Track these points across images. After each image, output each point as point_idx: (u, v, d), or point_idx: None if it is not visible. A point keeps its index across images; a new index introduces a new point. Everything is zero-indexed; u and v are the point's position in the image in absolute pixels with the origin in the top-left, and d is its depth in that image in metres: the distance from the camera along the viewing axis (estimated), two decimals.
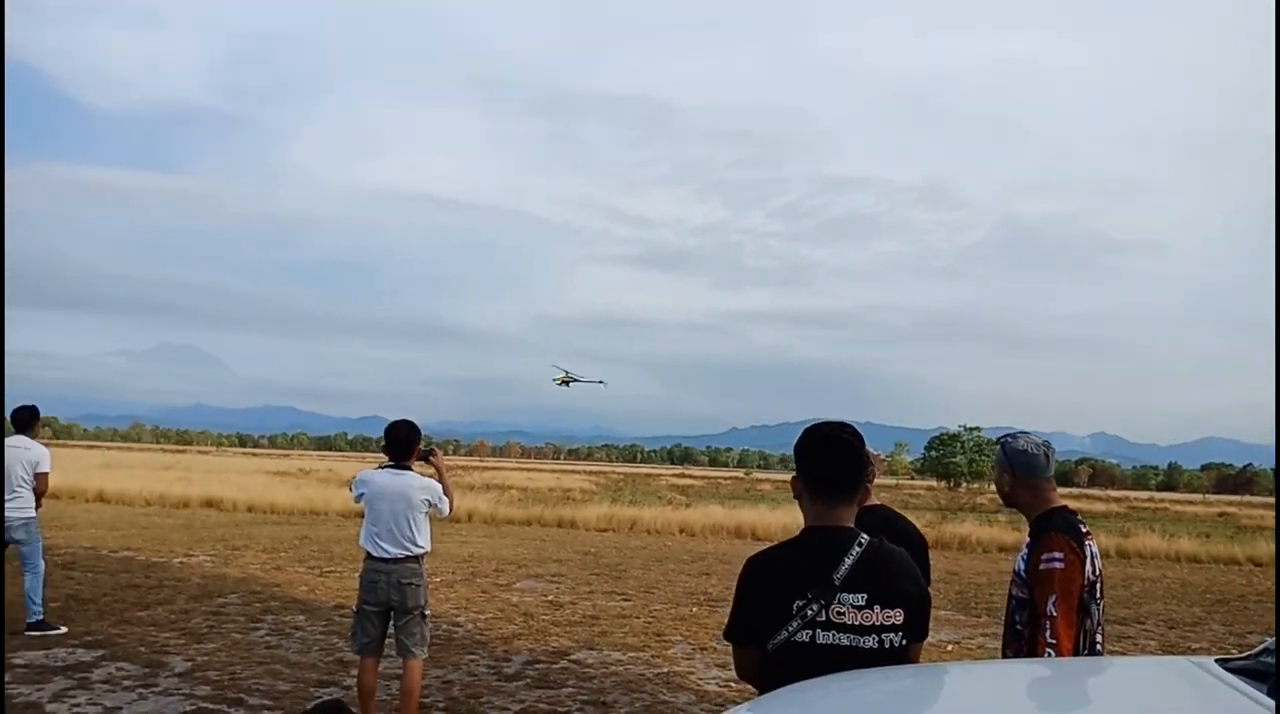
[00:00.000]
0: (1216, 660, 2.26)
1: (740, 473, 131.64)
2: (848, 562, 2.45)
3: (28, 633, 7.82)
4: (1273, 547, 22.03)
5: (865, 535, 2.52)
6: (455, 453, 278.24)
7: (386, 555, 5.56)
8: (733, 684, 7.36)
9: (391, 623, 5.69)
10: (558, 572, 13.64)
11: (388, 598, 5.58)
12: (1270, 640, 2.42)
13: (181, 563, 12.77)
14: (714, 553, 17.55)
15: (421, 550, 5.66)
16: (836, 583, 2.42)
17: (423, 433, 5.95)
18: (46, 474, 8.25)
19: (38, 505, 8.25)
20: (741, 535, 21.48)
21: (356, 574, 5.89)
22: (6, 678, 6.51)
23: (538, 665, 7.69)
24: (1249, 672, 2.11)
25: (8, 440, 8.24)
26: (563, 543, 18.26)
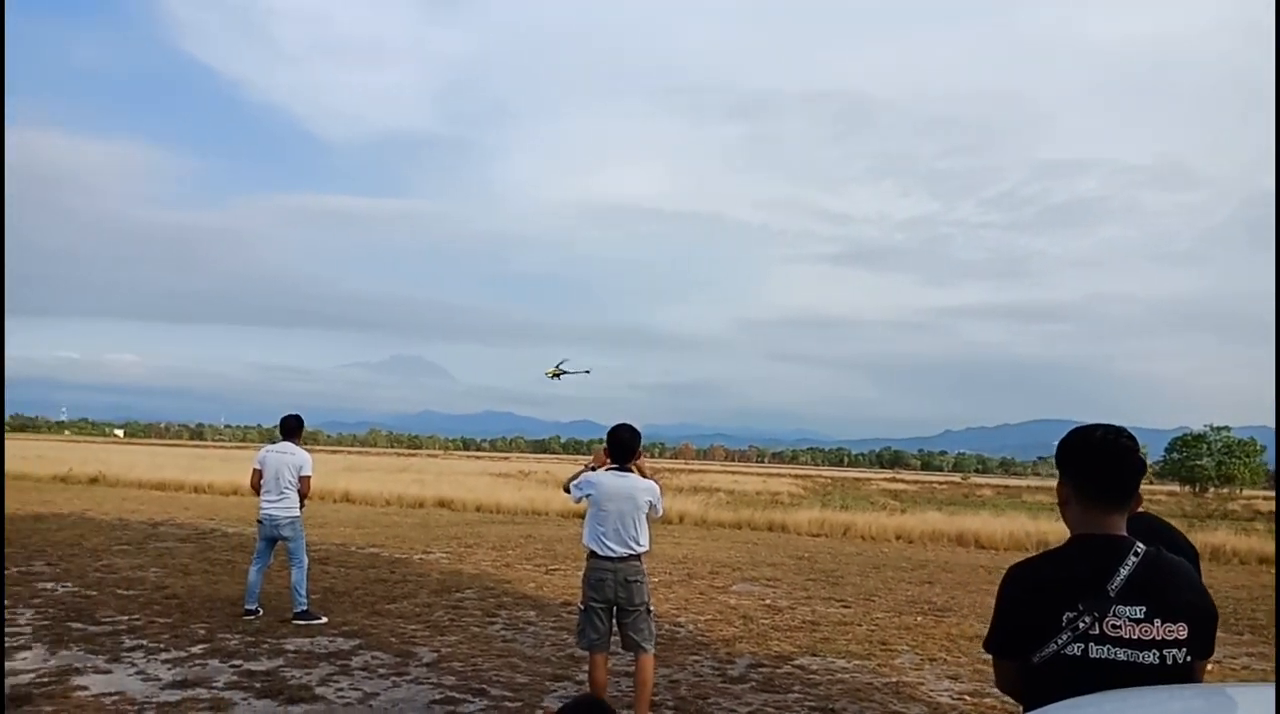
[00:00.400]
0: None
1: (957, 477, 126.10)
2: (1123, 572, 2.30)
3: (295, 622, 8.63)
4: None
5: (1141, 544, 2.36)
6: (660, 456, 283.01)
7: (613, 554, 5.77)
8: (967, 697, 7.07)
9: (615, 620, 5.88)
10: (772, 576, 13.57)
11: (614, 595, 5.78)
12: None
13: (421, 559, 13.69)
14: (935, 561, 16.89)
15: (644, 549, 5.88)
16: (1111, 594, 2.28)
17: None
18: (309, 477, 9.09)
19: (301, 505, 9.09)
20: (964, 543, 20.55)
21: (579, 573, 6.11)
22: (279, 662, 7.22)
23: (762, 669, 7.67)
24: None
25: (276, 446, 9.15)
26: (775, 547, 18.14)
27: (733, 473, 79.75)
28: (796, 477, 77.46)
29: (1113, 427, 2.50)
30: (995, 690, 7.10)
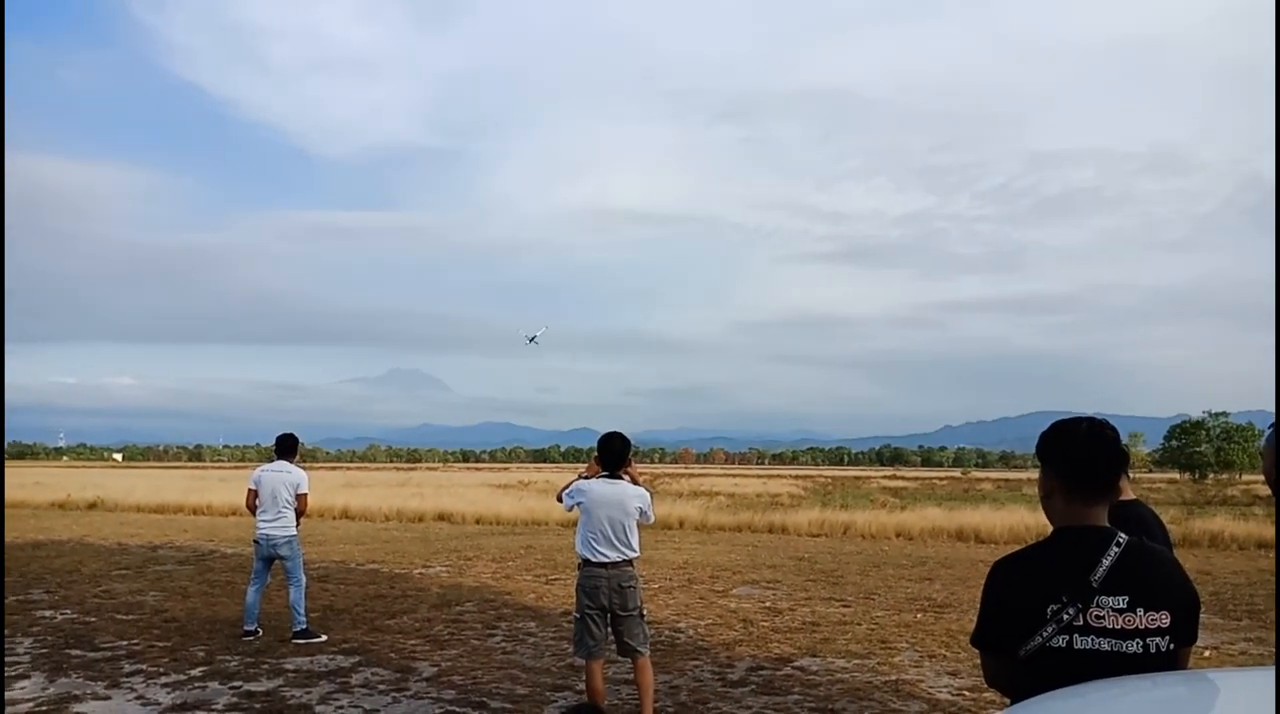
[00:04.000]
0: None
1: (957, 472, 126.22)
2: (1105, 563, 2.32)
3: (294, 641, 8.62)
4: None
5: (1123, 535, 2.39)
6: (660, 461, 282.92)
7: (605, 560, 5.82)
8: (966, 693, 7.08)
9: (610, 626, 5.91)
10: (773, 578, 13.58)
11: (609, 601, 5.82)
12: None
13: (421, 573, 13.69)
14: (935, 557, 16.91)
15: (636, 555, 5.95)
16: (1094, 585, 2.30)
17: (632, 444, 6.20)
18: (306, 495, 9.10)
19: (298, 524, 9.10)
20: (964, 538, 20.58)
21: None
22: (279, 682, 7.22)
23: (762, 672, 7.69)
24: None
25: (272, 466, 9.17)
26: (775, 549, 18.14)
27: (733, 476, 79.73)
28: (797, 477, 77.47)
29: (1094, 418, 2.53)
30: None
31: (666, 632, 9.27)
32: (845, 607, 11.07)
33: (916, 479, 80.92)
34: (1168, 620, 2.31)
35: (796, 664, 7.99)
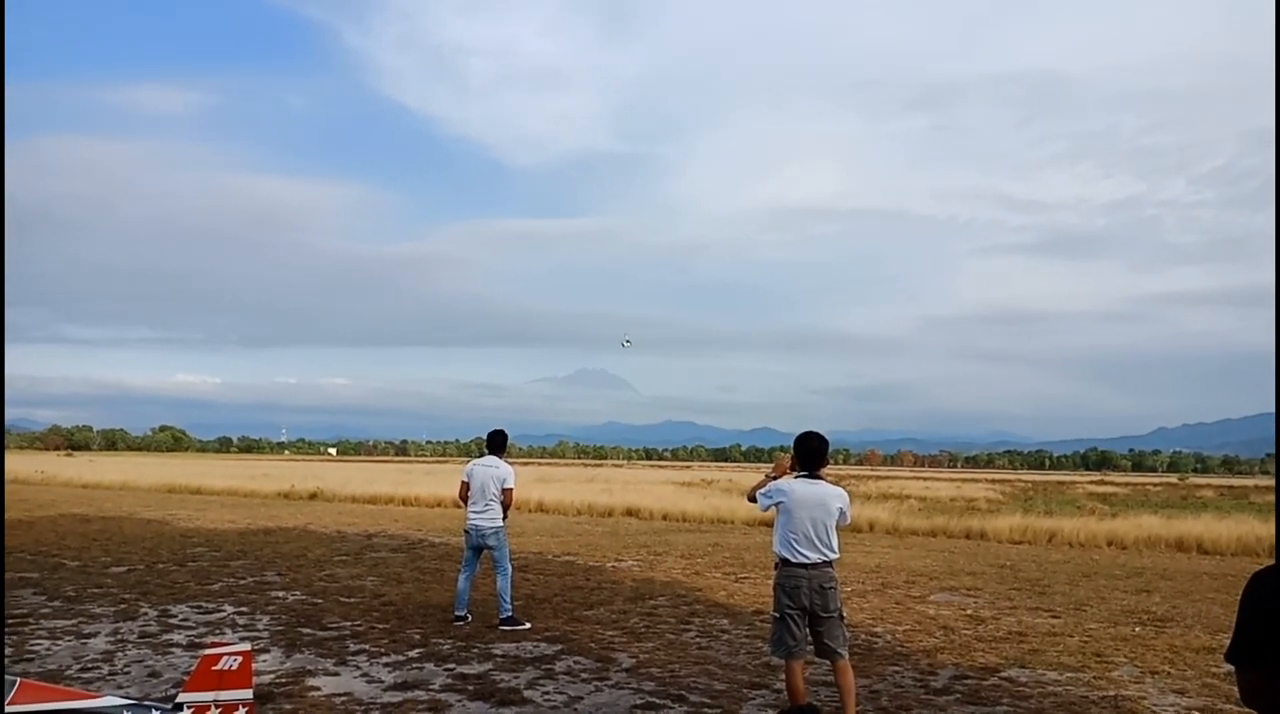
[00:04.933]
0: None
1: (1173, 478, 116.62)
2: None
3: (501, 627, 9.06)
4: None
5: None
6: (845, 462, 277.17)
7: (807, 561, 5.77)
8: (1196, 712, 6.57)
9: (810, 627, 5.86)
10: (973, 585, 13.05)
11: (810, 601, 5.77)
12: None
13: (613, 566, 14.05)
14: (1152, 568, 15.73)
15: (836, 556, 5.88)
16: None
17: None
18: (512, 490, 9.54)
19: (504, 516, 9.56)
20: (1184, 549, 19.04)
21: (769, 581, 6.12)
22: (489, 666, 7.61)
23: (966, 681, 7.42)
24: None
25: (482, 460, 9.68)
26: (973, 555, 17.41)
27: (923, 479, 76.99)
28: (993, 481, 73.88)
29: None
30: (1229, 707, 6.58)
31: (863, 636, 9.10)
32: (1054, 617, 10.49)
33: (1127, 485, 75.45)
34: None
35: (1004, 674, 7.66)
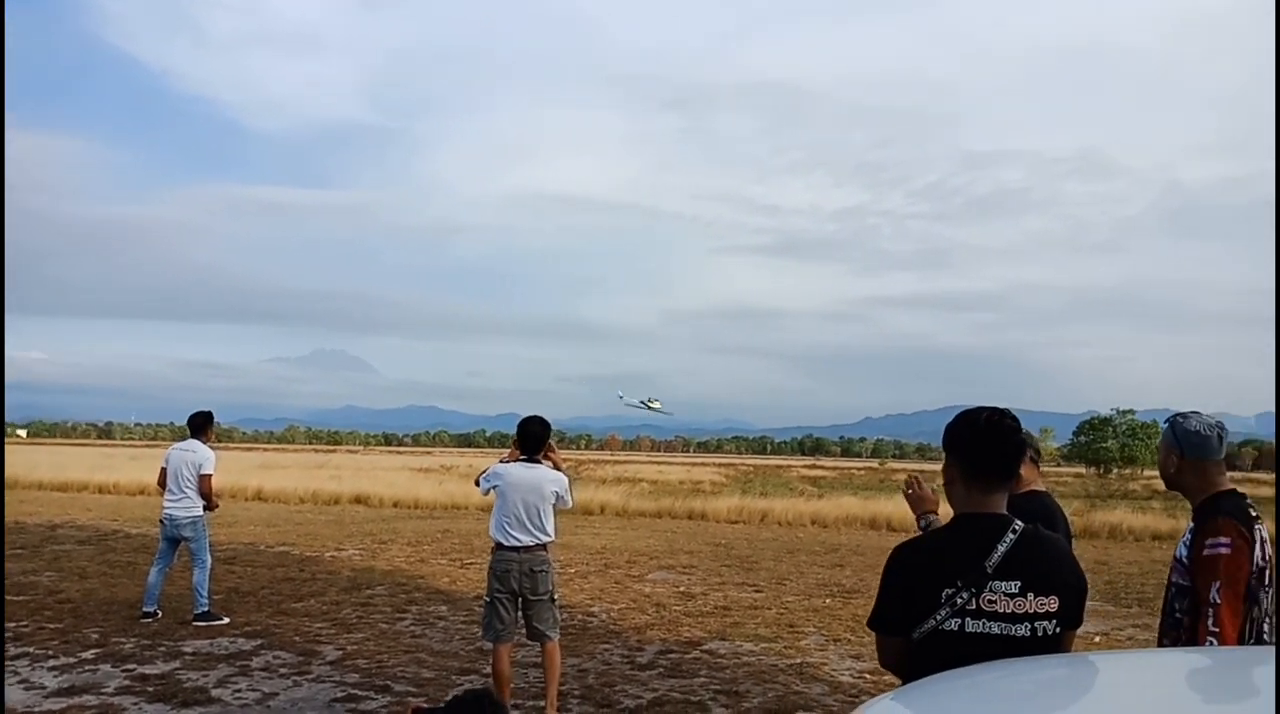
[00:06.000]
0: None
1: (874, 463, 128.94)
2: (1000, 549, 2.38)
3: (195, 623, 8.40)
4: None
5: (1020, 522, 2.46)
6: (587, 447, 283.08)
7: (518, 544, 5.79)
8: (867, 675, 7.24)
9: (520, 610, 5.89)
10: (689, 563, 13.70)
11: (519, 585, 5.79)
12: None
13: (332, 557, 13.45)
14: (847, 544, 17.26)
15: (549, 539, 5.92)
16: (989, 570, 2.36)
17: (553, 429, 6.17)
18: (209, 476, 8.82)
19: (210, 506, 8.84)
20: (876, 527, 21.05)
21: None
22: (175, 665, 7.03)
23: (670, 655, 7.75)
24: None
25: (182, 444, 8.92)
26: (694, 535, 18.31)
27: (658, 463, 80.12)
28: (720, 466, 78.24)
29: (997, 409, 2.60)
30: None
31: (580, 616, 9.28)
32: (757, 592, 11.23)
33: (835, 469, 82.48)
34: (1056, 605, 2.39)
35: (705, 648, 8.08)
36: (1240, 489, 3.19)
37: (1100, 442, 79.07)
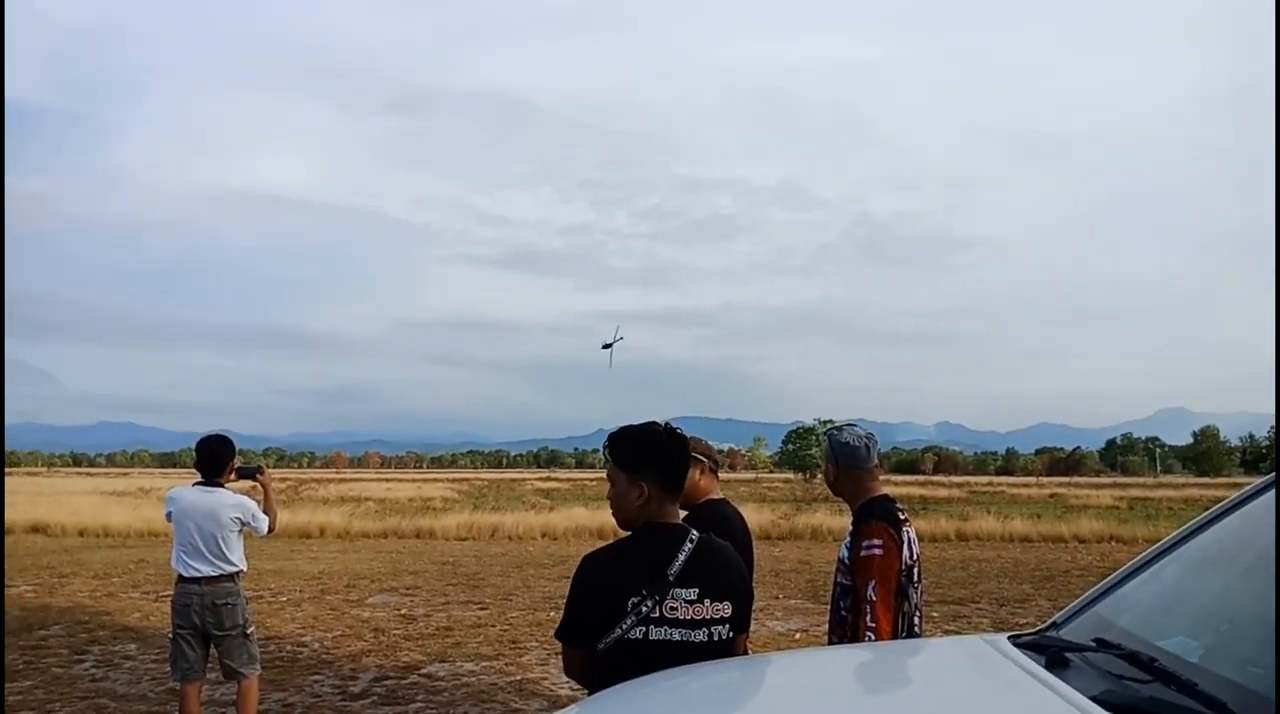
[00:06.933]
0: (1009, 637, 2.40)
1: (606, 474, 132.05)
2: (681, 557, 2.49)
3: None
4: (1093, 524, 23.71)
5: (695, 531, 2.59)
6: (310, 465, 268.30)
7: (198, 575, 5.34)
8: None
9: (212, 647, 5.44)
10: (413, 584, 13.33)
11: (202, 620, 5.34)
12: (1058, 615, 2.61)
13: None
14: (575, 555, 17.25)
15: (235, 568, 5.45)
16: (670, 578, 2.46)
17: (261, 448, 5.77)
18: None
19: None
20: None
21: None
22: None
23: (386, 682, 7.49)
24: (1034, 646, 2.26)
25: None
26: (420, 554, 17.85)
27: (387, 480, 77.32)
28: (454, 481, 76.91)
29: (667, 423, 2.73)
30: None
31: (289, 647, 8.75)
32: (482, 609, 11.12)
33: (570, 480, 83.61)
34: (730, 610, 2.54)
35: (424, 672, 7.88)
36: (920, 491, 3.56)
37: (805, 449, 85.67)
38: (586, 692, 2.58)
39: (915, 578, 3.39)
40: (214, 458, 5.43)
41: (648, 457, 2.61)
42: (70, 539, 20.80)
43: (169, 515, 5.40)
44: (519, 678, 7.68)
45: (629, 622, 2.44)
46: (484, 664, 8.17)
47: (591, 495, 43.60)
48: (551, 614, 10.75)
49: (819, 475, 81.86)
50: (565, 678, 7.62)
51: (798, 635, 9.70)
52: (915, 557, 3.42)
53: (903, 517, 3.45)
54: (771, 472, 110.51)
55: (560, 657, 7.85)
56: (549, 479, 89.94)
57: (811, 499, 39.51)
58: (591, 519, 23.18)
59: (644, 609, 2.44)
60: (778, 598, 12.28)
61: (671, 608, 2.46)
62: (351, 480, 72.78)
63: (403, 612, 10.89)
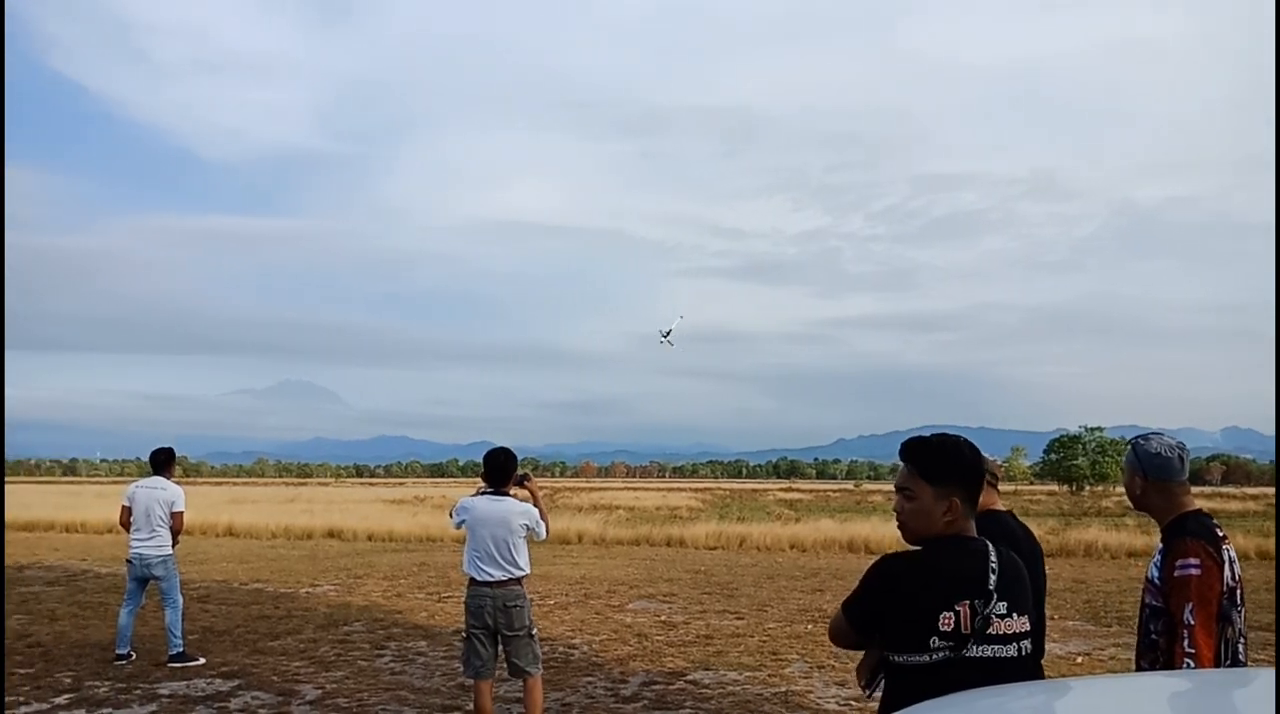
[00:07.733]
0: None
1: (850, 485, 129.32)
2: (994, 569, 2.43)
3: (170, 664, 8.24)
4: None
5: (989, 543, 2.51)
6: (561, 475, 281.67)
7: (490, 579, 5.74)
8: (854, 703, 7.23)
9: (500, 645, 5.84)
10: (669, 591, 13.65)
11: (494, 621, 5.74)
12: None
13: (308, 593, 13.27)
14: (827, 568, 17.27)
15: (523, 573, 5.85)
16: (992, 591, 2.41)
17: (519, 458, 6.14)
18: (181, 513, 8.70)
19: (174, 542, 8.70)
20: (855, 549, 21.08)
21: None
22: (152, 708, 6.89)
23: (654, 687, 7.70)
24: None
25: (146, 481, 8.76)
26: (672, 562, 18.25)
27: (633, 489, 79.80)
28: (696, 491, 78.13)
29: (963, 436, 2.66)
30: (880, 694, 7.30)
31: (560, 648, 9.20)
32: (739, 619, 11.19)
33: (811, 491, 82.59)
34: (1028, 625, 2.46)
35: (689, 678, 8.03)
36: (1208, 504, 3.25)
37: (1071, 459, 79.84)
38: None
39: (1238, 601, 3.07)
40: (501, 468, 5.87)
41: (958, 470, 2.53)
42: (361, 543, 23.01)
43: (461, 523, 5.86)
44: (783, 689, 7.65)
45: (947, 634, 2.38)
46: (747, 674, 8.21)
47: (836, 507, 42.80)
48: (809, 627, 10.65)
49: (1087, 487, 76.31)
50: (830, 692, 7.53)
51: (1079, 660, 9.03)
52: (1237, 578, 3.09)
53: (1221, 534, 3.14)
54: (1032, 483, 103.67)
55: (821, 670, 7.68)
56: (790, 489, 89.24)
57: (1081, 513, 36.69)
58: (840, 531, 22.76)
59: (972, 623, 2.38)
60: (1053, 618, 11.49)
61: (992, 622, 2.40)
62: (601, 489, 75.63)
63: (663, 618, 11.17)
